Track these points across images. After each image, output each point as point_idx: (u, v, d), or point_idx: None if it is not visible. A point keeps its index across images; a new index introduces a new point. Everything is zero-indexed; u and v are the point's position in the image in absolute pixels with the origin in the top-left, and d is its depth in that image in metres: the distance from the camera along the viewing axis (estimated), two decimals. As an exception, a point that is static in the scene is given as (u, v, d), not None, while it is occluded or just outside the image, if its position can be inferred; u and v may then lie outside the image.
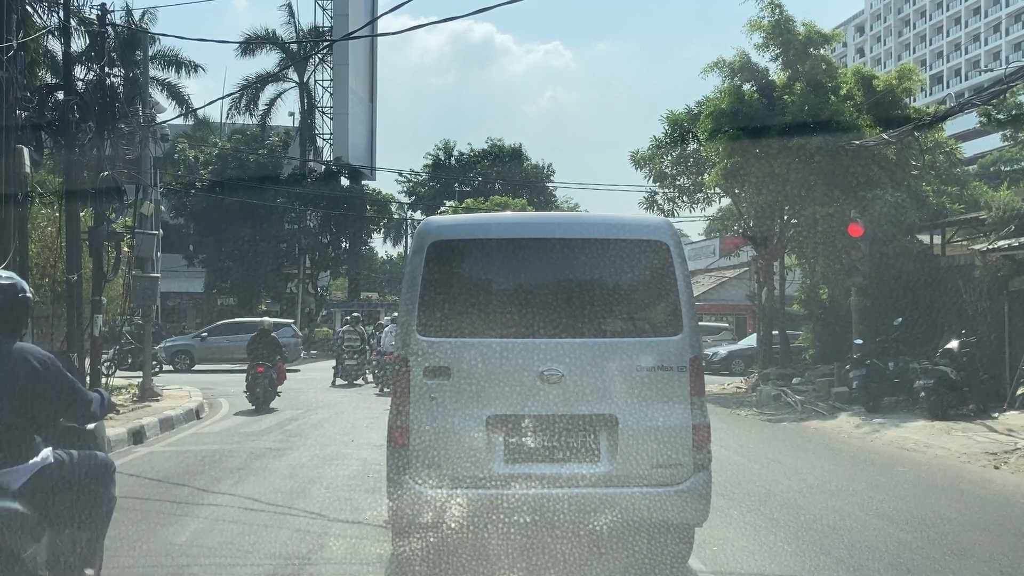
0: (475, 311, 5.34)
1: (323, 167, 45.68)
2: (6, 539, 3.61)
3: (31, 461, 3.95)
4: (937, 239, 18.16)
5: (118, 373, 19.72)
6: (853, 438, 13.23)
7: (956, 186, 20.12)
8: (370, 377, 22.70)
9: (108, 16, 16.71)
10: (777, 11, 19.92)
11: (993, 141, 40.86)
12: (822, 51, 20.46)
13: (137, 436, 12.06)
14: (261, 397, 16.37)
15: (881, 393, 15.67)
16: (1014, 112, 17.85)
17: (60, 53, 15.24)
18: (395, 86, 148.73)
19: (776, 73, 20.41)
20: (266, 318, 21.43)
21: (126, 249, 17.01)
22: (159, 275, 17.25)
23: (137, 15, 34.45)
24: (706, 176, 21.46)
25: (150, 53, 24.93)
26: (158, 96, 34.28)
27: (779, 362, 21.50)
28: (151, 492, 8.67)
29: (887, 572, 6.08)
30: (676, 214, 23.16)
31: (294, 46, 45.22)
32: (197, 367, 28.15)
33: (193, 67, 38.81)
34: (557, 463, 5.19)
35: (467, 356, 5.25)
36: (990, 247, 15.14)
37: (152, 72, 29.49)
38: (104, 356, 17.03)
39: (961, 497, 8.80)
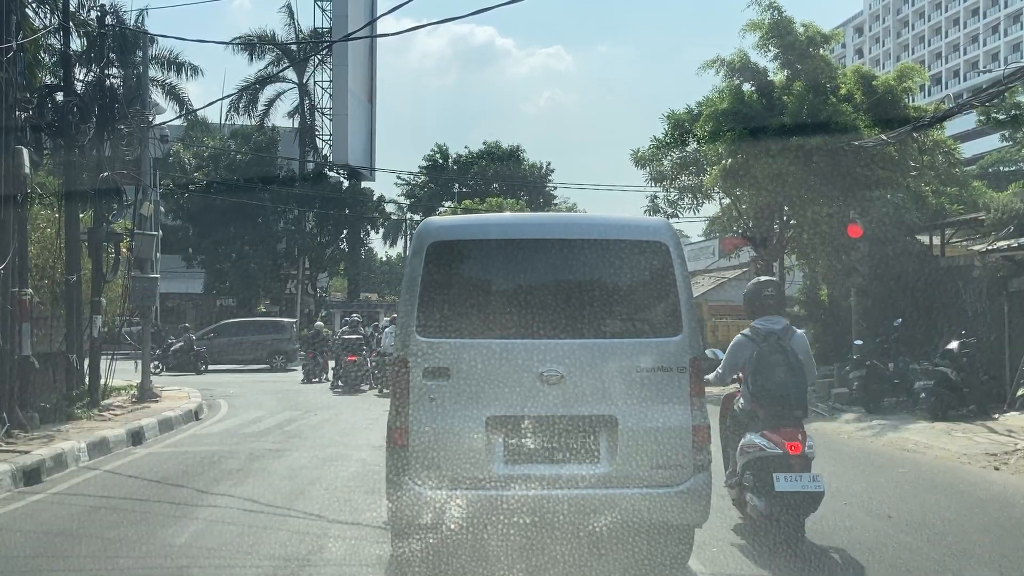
0: (475, 312, 5.34)
1: (321, 168, 45.70)
2: None
3: None
4: (937, 240, 18.16)
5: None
6: (853, 439, 13.21)
7: (955, 186, 20.13)
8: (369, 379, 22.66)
9: (107, 18, 16.71)
10: (776, 13, 19.93)
11: (992, 142, 40.85)
12: (822, 51, 20.47)
13: (136, 437, 12.06)
14: (352, 381, 20.64)
15: (881, 394, 15.65)
16: (1013, 112, 17.82)
17: (60, 54, 15.21)
18: (395, 88, 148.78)
19: (775, 73, 20.42)
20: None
21: (125, 250, 16.98)
22: (158, 276, 17.24)
23: (135, 15, 34.51)
24: (705, 176, 21.47)
25: (149, 54, 24.90)
26: (157, 97, 34.31)
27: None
28: (150, 493, 8.68)
29: (887, 573, 6.08)
30: (679, 216, 23.21)
31: (293, 47, 45.25)
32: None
33: (192, 69, 38.85)
34: (557, 464, 5.18)
35: (467, 357, 5.24)
36: (989, 248, 15.13)
37: (151, 73, 29.49)
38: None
39: (961, 498, 8.79)
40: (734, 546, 6.55)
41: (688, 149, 21.87)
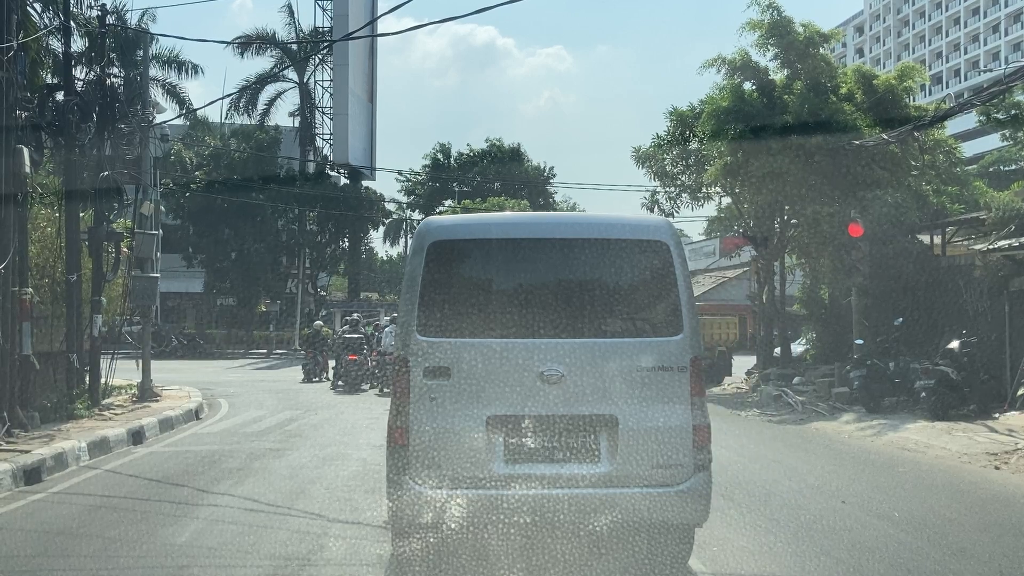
0: (475, 311, 5.33)
1: (322, 167, 45.69)
2: None
3: None
4: (937, 239, 18.14)
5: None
6: (854, 439, 13.22)
7: (956, 186, 20.11)
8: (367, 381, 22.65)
9: (108, 17, 16.70)
10: (776, 12, 19.92)
11: (993, 141, 40.80)
12: (821, 51, 20.45)
13: (136, 437, 12.06)
14: (353, 380, 20.86)
15: (882, 393, 15.65)
16: (1013, 112, 17.81)
17: (60, 54, 15.23)
18: (396, 88, 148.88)
19: (775, 72, 20.40)
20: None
21: (125, 249, 16.98)
22: (159, 275, 17.22)
23: (137, 15, 34.60)
24: (706, 173, 21.42)
25: (150, 53, 24.92)
26: (158, 96, 34.37)
27: (780, 362, 21.50)
28: (151, 493, 8.68)
29: (887, 572, 6.08)
30: (676, 214, 23.19)
31: (294, 46, 45.23)
32: None
33: (193, 68, 38.94)
34: (557, 463, 5.18)
35: (467, 356, 5.24)
36: (990, 247, 15.13)
37: (152, 72, 29.53)
38: None
39: (961, 497, 8.79)
40: (734, 546, 6.55)
41: (690, 148, 21.83)
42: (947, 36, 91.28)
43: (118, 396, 16.03)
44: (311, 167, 45.50)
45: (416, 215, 56.15)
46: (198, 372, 26.40)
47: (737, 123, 18.44)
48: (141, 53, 23.46)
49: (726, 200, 23.17)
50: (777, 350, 22.59)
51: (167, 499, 8.36)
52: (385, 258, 71.26)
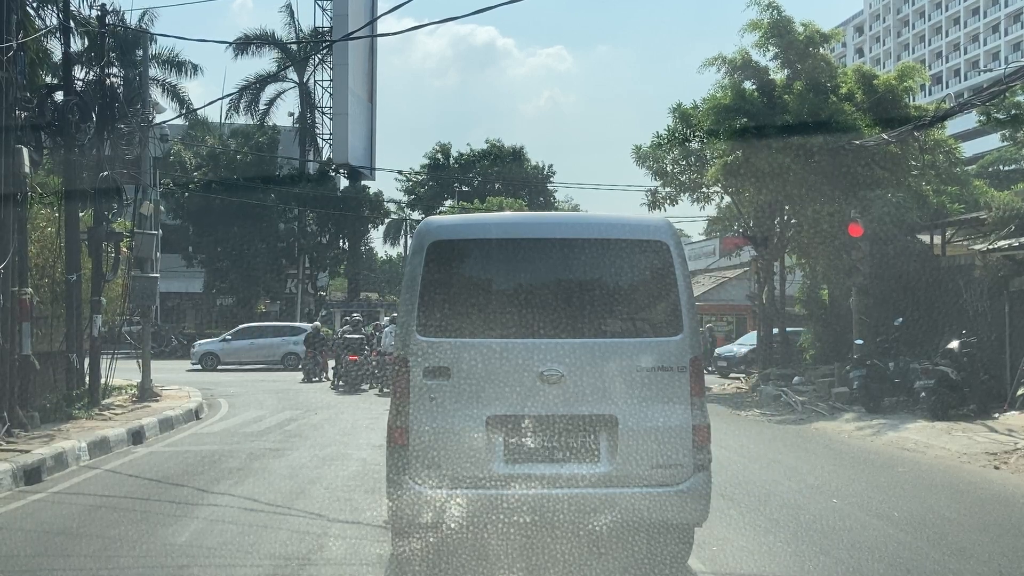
0: (475, 311, 5.34)
1: (322, 167, 45.70)
2: None
3: None
4: (937, 239, 18.12)
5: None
6: (853, 438, 13.22)
7: (956, 186, 20.11)
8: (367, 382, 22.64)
9: (107, 17, 16.68)
10: (776, 12, 19.93)
11: (993, 141, 40.77)
12: (822, 50, 20.45)
13: (136, 436, 12.07)
14: (353, 380, 20.78)
15: (881, 393, 15.65)
16: (1013, 112, 17.80)
17: (59, 54, 15.23)
18: (396, 89, 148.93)
19: (775, 72, 20.40)
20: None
21: (125, 249, 16.98)
22: (158, 275, 17.22)
23: (138, 15, 34.66)
24: (707, 172, 21.40)
25: (149, 53, 24.92)
26: (157, 96, 34.40)
27: (780, 362, 21.49)
28: (150, 493, 8.68)
29: (887, 572, 6.08)
30: (677, 204, 23.18)
31: (293, 46, 45.26)
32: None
33: (193, 68, 38.99)
34: (557, 463, 5.18)
35: (467, 356, 5.24)
36: (990, 247, 15.12)
37: (151, 72, 29.55)
38: None
39: (961, 497, 8.79)
40: (734, 545, 6.55)
41: (691, 147, 21.79)
42: (947, 36, 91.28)
43: (118, 396, 16.03)
44: (311, 167, 45.50)
45: (416, 215, 56.17)
46: (198, 372, 26.40)
47: (737, 120, 18.44)
48: (141, 53, 23.53)
49: (726, 200, 23.18)
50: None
51: (167, 499, 8.36)
52: (385, 258, 71.27)
